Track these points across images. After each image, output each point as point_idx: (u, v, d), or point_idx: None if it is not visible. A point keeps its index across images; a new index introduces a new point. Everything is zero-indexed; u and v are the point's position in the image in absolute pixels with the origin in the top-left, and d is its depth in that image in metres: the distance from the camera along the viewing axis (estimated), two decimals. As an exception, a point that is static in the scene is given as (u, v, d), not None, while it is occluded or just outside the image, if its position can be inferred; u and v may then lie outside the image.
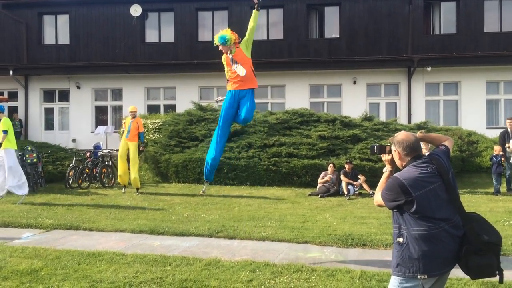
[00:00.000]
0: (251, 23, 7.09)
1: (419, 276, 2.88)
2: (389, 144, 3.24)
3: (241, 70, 6.66)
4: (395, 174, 3.05)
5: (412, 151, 3.05)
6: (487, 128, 17.36)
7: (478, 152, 14.60)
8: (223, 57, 7.01)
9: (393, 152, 3.17)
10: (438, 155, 3.08)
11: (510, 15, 18.04)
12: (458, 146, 14.18)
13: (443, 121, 18.19)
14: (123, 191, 12.17)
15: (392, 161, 3.21)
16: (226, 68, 6.93)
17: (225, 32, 6.82)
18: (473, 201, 10.57)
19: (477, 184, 13.19)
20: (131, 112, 12.21)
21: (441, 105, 18.48)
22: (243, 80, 6.70)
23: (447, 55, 17.65)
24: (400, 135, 3.14)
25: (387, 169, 3.25)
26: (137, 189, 12.06)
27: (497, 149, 12.22)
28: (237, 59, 6.72)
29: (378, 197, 3.14)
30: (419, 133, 3.28)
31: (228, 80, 6.91)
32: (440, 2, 18.52)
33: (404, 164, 3.09)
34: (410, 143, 3.06)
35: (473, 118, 17.65)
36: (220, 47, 6.83)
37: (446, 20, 18.60)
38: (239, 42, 6.89)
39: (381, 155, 3.28)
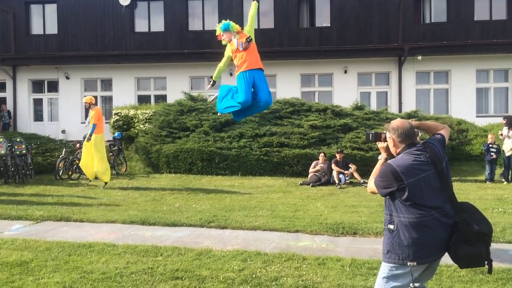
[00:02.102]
0: (250, 14, 7.08)
1: (408, 263, 2.90)
2: (384, 132, 3.24)
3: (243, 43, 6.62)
4: (388, 161, 3.06)
5: (406, 138, 3.05)
6: (476, 116, 17.49)
7: (468, 140, 14.72)
8: (227, 49, 6.92)
9: (387, 139, 3.17)
10: (432, 144, 3.09)
11: (500, 3, 18.07)
12: (448, 134, 14.27)
13: (433, 109, 18.27)
14: (102, 188, 11.26)
15: (387, 149, 3.22)
16: (231, 56, 6.85)
17: (227, 21, 6.84)
18: (462, 189, 10.67)
19: (467, 172, 13.31)
20: (85, 103, 11.37)
21: (431, 94, 18.55)
22: (250, 55, 6.68)
23: (437, 44, 17.67)
24: (395, 122, 3.13)
25: (382, 156, 3.25)
26: (105, 183, 11.28)
27: (490, 137, 12.38)
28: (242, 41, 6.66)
29: (371, 184, 3.14)
30: (414, 121, 3.28)
31: (237, 67, 6.76)
32: (431, -10, 18.51)
33: (398, 151, 3.09)
34: (405, 130, 3.05)
35: (463, 106, 17.75)
36: (224, 36, 6.79)
37: (436, 9, 18.59)
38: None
39: (377, 143, 3.28)
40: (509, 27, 17.64)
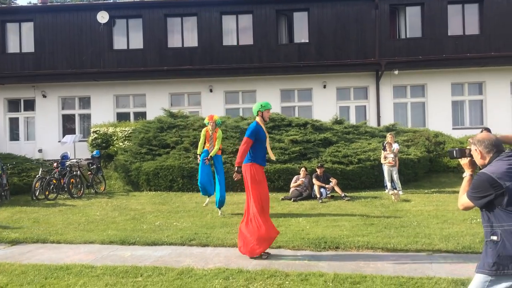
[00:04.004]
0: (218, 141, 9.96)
1: None
2: (468, 147, 3.23)
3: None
4: (481, 170, 3.03)
5: (493, 147, 3.06)
6: (453, 128, 17.85)
7: (445, 152, 14.95)
8: (204, 131, 10.07)
9: (473, 152, 3.17)
10: None
11: (472, 19, 18.64)
12: (426, 147, 14.50)
13: (411, 122, 18.59)
14: None
15: (471, 165, 3.22)
16: (203, 138, 10.05)
17: (217, 117, 10.15)
18: (441, 200, 10.80)
19: (445, 184, 13.49)
20: None
21: (408, 107, 18.89)
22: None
23: (413, 58, 18.07)
24: (480, 135, 3.15)
25: (466, 173, 3.24)
26: None
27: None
28: (213, 138, 9.92)
29: (463, 200, 3.11)
30: (500, 135, 3.28)
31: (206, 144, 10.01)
32: (405, 6, 18.96)
33: (486, 162, 3.08)
34: (492, 140, 3.07)
35: (439, 119, 18.11)
36: (211, 125, 9.96)
37: (411, 24, 19.05)
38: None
39: (460, 159, 3.28)
40: (481, 42, 18.17)
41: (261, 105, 6.99)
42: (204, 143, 10.07)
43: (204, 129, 10.12)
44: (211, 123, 9.98)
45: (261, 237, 6.15)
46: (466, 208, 3.14)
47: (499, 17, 18.07)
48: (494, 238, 2.94)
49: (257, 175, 6.45)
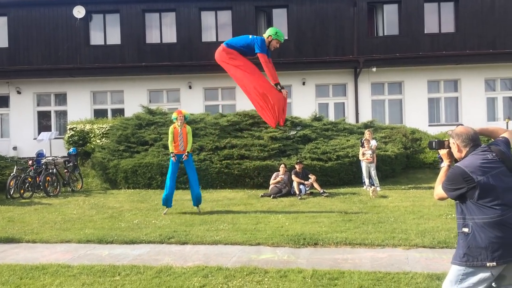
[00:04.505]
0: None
1: (488, 264, 2.91)
2: (447, 139, 3.30)
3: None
4: (456, 164, 3.10)
5: (470, 142, 3.11)
6: (429, 125, 18.14)
7: (422, 149, 15.21)
8: (172, 128, 9.70)
9: (451, 144, 3.23)
10: (497, 144, 3.15)
11: (448, 17, 18.94)
12: (403, 143, 14.72)
13: (388, 119, 18.83)
14: None
15: (449, 155, 3.28)
16: (172, 136, 9.65)
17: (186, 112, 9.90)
18: (418, 196, 10.99)
19: (422, 180, 13.74)
20: None
21: (386, 104, 19.12)
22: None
23: (390, 56, 18.27)
24: (459, 129, 3.21)
25: (444, 163, 3.30)
26: None
27: None
28: (183, 134, 9.65)
29: (438, 190, 3.18)
30: (476, 127, 3.33)
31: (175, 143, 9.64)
32: (383, 4, 19.15)
33: (462, 155, 3.14)
34: (469, 135, 3.13)
35: (416, 116, 18.39)
36: (179, 120, 9.64)
37: (388, 22, 19.26)
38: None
39: (439, 150, 3.34)
40: (457, 40, 18.50)
41: (276, 32, 7.11)
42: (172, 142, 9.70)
43: (172, 126, 9.78)
44: (180, 117, 9.67)
45: None
46: (441, 199, 3.23)
47: (474, 16, 18.43)
48: (466, 230, 3.01)
49: None
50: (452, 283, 3.08)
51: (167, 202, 9.59)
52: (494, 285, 3.03)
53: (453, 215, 8.50)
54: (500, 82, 18.88)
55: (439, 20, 18.98)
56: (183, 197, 11.78)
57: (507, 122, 17.36)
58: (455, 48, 18.25)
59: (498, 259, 2.90)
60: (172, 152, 9.67)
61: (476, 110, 18.40)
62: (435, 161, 14.32)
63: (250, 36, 7.71)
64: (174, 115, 9.86)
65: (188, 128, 9.83)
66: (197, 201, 9.70)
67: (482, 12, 18.45)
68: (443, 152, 3.33)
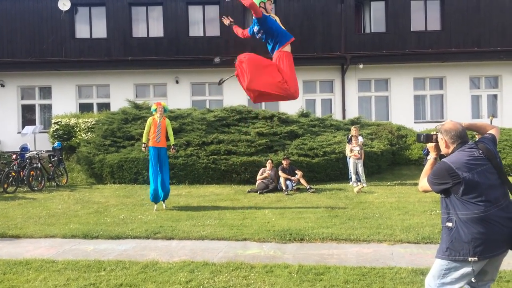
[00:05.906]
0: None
1: (469, 259, 2.95)
2: (435, 133, 3.31)
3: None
4: (443, 159, 3.12)
5: (458, 138, 3.14)
6: (414, 122, 18.32)
7: (407, 145, 15.37)
8: (150, 120, 9.54)
9: (439, 140, 3.25)
10: (484, 141, 3.18)
11: (434, 15, 19.11)
12: (389, 140, 14.84)
13: (375, 116, 18.96)
14: None
15: (436, 148, 3.30)
16: (151, 128, 9.42)
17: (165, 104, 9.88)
18: (403, 192, 11.11)
19: (407, 176, 13.88)
20: None
21: (372, 101, 19.25)
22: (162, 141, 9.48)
23: (377, 53, 18.38)
24: (448, 124, 3.22)
25: (431, 156, 3.33)
26: None
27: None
28: (162, 126, 9.47)
29: (423, 183, 3.21)
30: (464, 123, 3.36)
31: (149, 138, 9.44)
32: (370, 1, 19.24)
33: (449, 151, 3.17)
34: (458, 131, 3.15)
35: (402, 113, 18.55)
36: (159, 112, 9.53)
37: (376, 19, 19.36)
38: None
39: (427, 143, 3.37)
40: (443, 37, 18.68)
41: None
42: (148, 133, 9.46)
43: (151, 117, 9.60)
44: (159, 109, 9.51)
45: None
46: (425, 191, 3.27)
47: (460, 14, 18.62)
48: (449, 224, 3.06)
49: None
50: (435, 278, 3.13)
51: (156, 198, 9.46)
52: (473, 280, 3.09)
53: (438, 211, 8.61)
54: (484, 80, 19.14)
55: (425, 18, 19.13)
56: (170, 192, 11.72)
57: (491, 120, 17.61)
58: (441, 46, 18.43)
59: (480, 254, 2.96)
60: (144, 143, 9.50)
61: (460, 108, 18.63)
62: (420, 158, 14.48)
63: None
64: (153, 107, 9.71)
65: (167, 120, 9.70)
66: (165, 196, 9.57)
67: (467, 10, 18.65)
68: (430, 145, 3.37)
